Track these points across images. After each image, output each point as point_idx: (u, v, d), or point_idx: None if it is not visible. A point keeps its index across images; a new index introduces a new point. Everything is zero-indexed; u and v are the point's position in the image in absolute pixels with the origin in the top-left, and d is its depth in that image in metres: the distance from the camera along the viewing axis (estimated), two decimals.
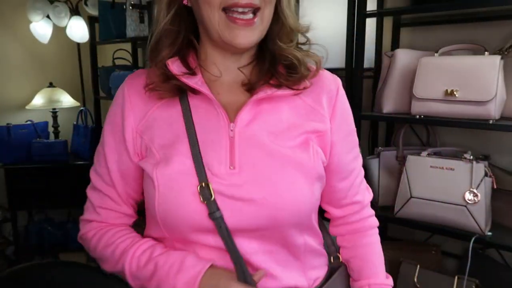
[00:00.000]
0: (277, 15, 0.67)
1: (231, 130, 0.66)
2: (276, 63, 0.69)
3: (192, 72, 0.67)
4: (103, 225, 0.76)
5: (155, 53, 0.68)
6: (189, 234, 0.66)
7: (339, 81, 0.77)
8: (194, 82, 0.66)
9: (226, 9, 0.61)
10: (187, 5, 0.67)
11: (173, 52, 0.68)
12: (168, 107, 0.69)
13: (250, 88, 0.69)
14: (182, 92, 0.68)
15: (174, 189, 0.65)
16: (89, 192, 0.79)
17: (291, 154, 0.66)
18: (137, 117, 0.69)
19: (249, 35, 0.63)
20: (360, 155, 0.79)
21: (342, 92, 0.76)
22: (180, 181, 0.64)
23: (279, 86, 0.68)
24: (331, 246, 0.81)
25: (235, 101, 0.69)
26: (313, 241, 0.75)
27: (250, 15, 0.62)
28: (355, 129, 0.78)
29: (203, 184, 0.63)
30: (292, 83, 0.68)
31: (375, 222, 0.81)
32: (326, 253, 0.81)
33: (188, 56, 0.69)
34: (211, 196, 0.63)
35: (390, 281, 0.78)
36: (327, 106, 0.72)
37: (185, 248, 0.68)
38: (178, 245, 0.69)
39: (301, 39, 0.73)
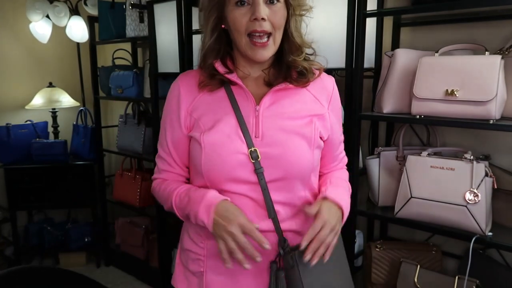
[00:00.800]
0: (288, 35, 0.93)
1: (257, 111, 0.94)
2: (290, 69, 0.96)
3: (230, 71, 0.95)
4: (163, 180, 1.03)
5: (205, 61, 0.96)
6: (226, 184, 0.92)
7: (333, 80, 1.04)
8: (233, 77, 0.95)
9: (249, 34, 0.90)
10: (224, 28, 0.94)
11: (217, 59, 0.95)
12: (213, 94, 0.96)
13: (270, 84, 0.97)
14: (224, 83, 0.96)
15: (222, 146, 0.91)
16: (156, 158, 1.06)
17: (298, 129, 0.93)
18: (188, 101, 0.97)
19: (264, 53, 0.91)
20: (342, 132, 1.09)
21: (335, 88, 1.03)
22: (228, 142, 0.91)
23: (291, 83, 0.96)
24: None
25: (260, 91, 0.96)
26: (312, 198, 0.99)
27: (265, 39, 0.90)
28: (342, 113, 1.09)
29: (253, 149, 0.90)
30: (301, 84, 0.97)
31: (344, 166, 1.13)
32: None
33: (226, 61, 0.97)
34: (258, 157, 0.90)
35: (345, 210, 0.96)
36: (326, 98, 1.00)
37: (221, 193, 0.92)
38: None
39: (309, 50, 1.00)
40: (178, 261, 1.07)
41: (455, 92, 1.30)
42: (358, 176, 1.63)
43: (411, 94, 1.40)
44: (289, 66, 0.95)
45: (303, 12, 0.94)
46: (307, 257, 0.86)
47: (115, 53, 2.68)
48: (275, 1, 0.88)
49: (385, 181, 1.59)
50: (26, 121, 2.77)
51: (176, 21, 2.03)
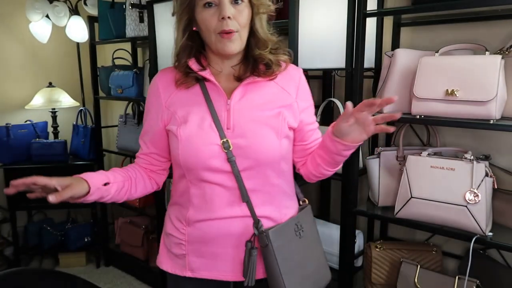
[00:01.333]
0: (253, 32, 1.02)
1: (228, 104, 1.02)
2: (257, 63, 1.04)
3: (203, 68, 1.04)
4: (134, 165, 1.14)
5: (179, 60, 1.05)
6: (203, 173, 1.00)
7: (300, 70, 1.12)
8: (206, 74, 1.03)
9: (219, 33, 0.98)
10: (195, 30, 1.03)
11: (190, 57, 1.04)
12: (188, 90, 1.05)
13: (239, 78, 1.04)
14: (198, 80, 1.04)
15: (197, 138, 0.99)
16: (139, 139, 1.14)
17: (267, 120, 1.01)
18: (166, 97, 1.06)
19: (232, 46, 0.98)
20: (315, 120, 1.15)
21: (302, 78, 1.10)
22: (202, 134, 0.99)
23: (258, 76, 1.04)
24: (299, 194, 1.17)
25: (231, 86, 1.04)
26: (286, 186, 1.09)
27: (230, 32, 0.98)
28: (313, 103, 1.13)
29: (225, 139, 0.99)
30: (268, 76, 1.05)
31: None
32: (297, 200, 1.15)
33: (200, 58, 1.05)
34: (230, 146, 0.99)
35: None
36: (293, 88, 1.08)
37: (198, 183, 1.02)
38: (194, 181, 1.03)
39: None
40: (162, 244, 1.17)
41: (455, 92, 1.30)
42: (358, 176, 1.63)
43: (411, 94, 1.40)
44: (256, 60, 1.03)
45: (266, 10, 1.02)
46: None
47: (115, 53, 2.68)
48: (240, 1, 0.97)
49: (385, 181, 1.59)
50: (25, 121, 2.77)
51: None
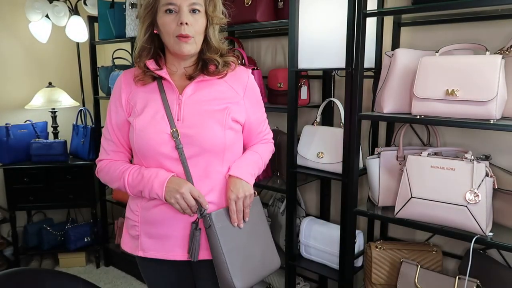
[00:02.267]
0: (207, 39, 1.17)
1: (179, 99, 1.15)
2: (208, 64, 1.18)
3: (160, 68, 1.18)
4: (111, 160, 1.22)
5: (139, 59, 1.19)
6: (154, 160, 1.13)
7: (249, 72, 1.25)
8: (162, 73, 1.17)
9: (177, 36, 1.12)
10: (156, 33, 1.17)
11: (149, 58, 1.18)
12: (146, 86, 1.19)
13: (191, 77, 1.18)
14: (156, 79, 1.18)
15: (149, 126, 1.12)
16: (102, 141, 1.25)
17: (213, 113, 1.14)
18: (127, 92, 1.20)
19: (188, 47, 1.12)
20: (265, 114, 1.31)
21: (250, 78, 1.24)
22: (154, 123, 1.13)
23: (208, 75, 1.18)
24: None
25: (183, 84, 1.18)
26: (227, 173, 1.18)
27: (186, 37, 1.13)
28: (261, 99, 1.28)
29: (174, 129, 1.12)
30: (217, 75, 1.18)
31: (269, 141, 1.34)
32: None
33: (158, 59, 1.20)
34: (178, 135, 1.12)
35: (245, 177, 1.17)
36: (241, 88, 1.21)
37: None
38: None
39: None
40: (124, 227, 1.28)
41: (456, 92, 1.30)
42: (358, 176, 1.63)
43: (411, 94, 1.39)
44: (206, 61, 1.18)
45: (219, 22, 1.17)
46: (234, 224, 1.14)
47: (114, 53, 2.68)
48: (197, 11, 1.11)
49: (385, 181, 1.59)
50: (25, 121, 2.76)
51: None
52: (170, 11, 1.10)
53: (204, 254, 1.16)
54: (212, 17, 1.15)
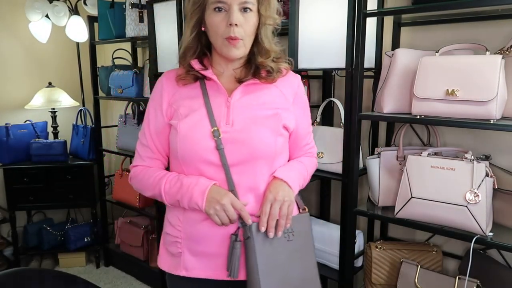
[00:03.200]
0: (258, 41, 1.07)
1: (228, 101, 1.07)
2: (259, 69, 1.10)
3: (205, 68, 1.10)
4: (146, 167, 1.15)
5: (183, 58, 1.11)
6: (196, 165, 1.04)
7: (299, 78, 1.18)
8: (208, 73, 1.09)
9: (225, 38, 1.03)
10: (203, 31, 1.08)
11: (194, 57, 1.10)
12: (190, 89, 1.10)
13: (240, 80, 1.10)
14: (199, 79, 1.10)
15: (194, 131, 1.04)
16: (138, 146, 1.18)
17: (264, 118, 1.07)
18: (170, 94, 1.12)
19: (236, 51, 1.04)
20: (311, 125, 1.24)
21: (300, 85, 1.18)
22: (198, 127, 1.04)
23: (259, 80, 1.10)
24: (299, 201, 1.17)
25: (231, 86, 1.10)
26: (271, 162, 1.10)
27: (236, 40, 1.03)
28: (308, 108, 1.21)
29: (215, 128, 1.04)
30: (268, 81, 1.11)
31: (313, 156, 1.26)
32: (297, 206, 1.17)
33: (204, 59, 1.12)
34: (219, 135, 1.03)
35: (290, 181, 1.08)
36: (291, 94, 1.14)
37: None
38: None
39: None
40: (162, 244, 1.19)
41: (456, 92, 1.30)
42: (358, 176, 1.63)
43: (412, 94, 1.39)
44: (258, 66, 1.09)
45: (272, 23, 1.08)
46: (262, 228, 1.01)
47: (114, 53, 2.68)
48: (248, 10, 1.02)
49: (385, 181, 1.59)
50: (25, 121, 2.76)
51: (176, 21, 2.02)
52: (219, 9, 1.01)
53: (244, 274, 1.03)
54: (265, 16, 1.05)
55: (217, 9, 1.01)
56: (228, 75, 1.11)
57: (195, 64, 1.08)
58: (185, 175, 1.07)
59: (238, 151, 1.03)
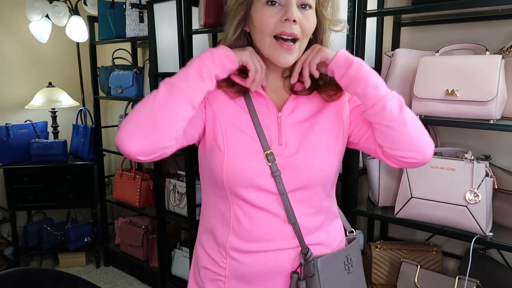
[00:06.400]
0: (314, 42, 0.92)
1: (279, 118, 0.91)
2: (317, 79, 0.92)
3: (247, 76, 0.89)
4: None
5: None
6: (246, 192, 0.87)
7: None
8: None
9: (276, 36, 0.86)
10: (246, 31, 0.91)
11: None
12: (233, 102, 0.92)
13: (291, 89, 0.94)
14: (244, 92, 0.92)
15: (244, 154, 0.87)
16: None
17: (320, 136, 0.91)
18: (211, 95, 0.92)
19: (288, 58, 0.87)
20: None
21: None
22: (249, 149, 0.88)
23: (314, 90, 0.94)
24: (346, 223, 1.06)
25: (281, 98, 0.94)
26: (333, 207, 1.00)
27: (291, 43, 0.86)
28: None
29: (269, 151, 0.87)
30: (326, 98, 0.94)
31: None
32: (341, 221, 1.05)
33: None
34: (275, 160, 0.87)
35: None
36: (345, 96, 0.96)
37: (240, 204, 0.89)
38: (236, 202, 0.89)
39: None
40: (192, 280, 1.00)
41: (456, 92, 1.30)
42: (358, 176, 1.63)
43: (411, 94, 1.39)
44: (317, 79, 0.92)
45: (335, 28, 0.92)
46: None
47: (114, 53, 2.68)
48: (307, 7, 0.86)
49: (385, 181, 1.59)
50: (25, 121, 2.76)
51: (176, 21, 2.03)
52: (272, 2, 0.84)
53: None
54: (331, 20, 0.90)
55: (269, 3, 0.84)
56: (276, 83, 0.94)
57: (236, 78, 0.90)
58: (223, 205, 0.90)
59: (294, 177, 0.87)
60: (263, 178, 0.86)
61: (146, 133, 0.78)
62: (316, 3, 0.88)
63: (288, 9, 0.83)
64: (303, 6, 0.85)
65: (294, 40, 0.85)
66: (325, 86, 0.93)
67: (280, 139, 0.89)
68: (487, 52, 1.31)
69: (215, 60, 0.83)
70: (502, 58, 1.26)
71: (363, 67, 0.85)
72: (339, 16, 0.92)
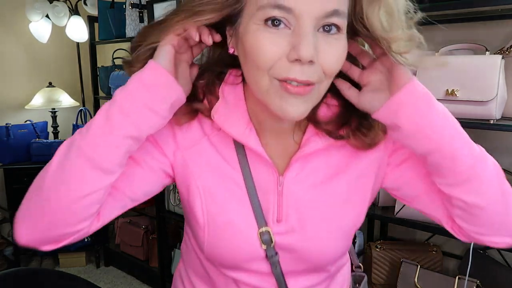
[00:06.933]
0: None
1: (280, 184, 0.64)
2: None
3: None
4: None
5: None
6: (233, 272, 0.68)
7: None
8: (243, 136, 0.61)
9: (280, 80, 0.53)
10: (233, 53, 0.59)
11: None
12: (218, 154, 0.65)
13: (303, 142, 0.64)
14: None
15: (229, 232, 0.64)
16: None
17: (335, 206, 0.66)
18: (182, 138, 0.66)
19: (300, 107, 0.54)
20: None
21: None
22: (237, 225, 0.64)
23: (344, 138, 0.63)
24: (353, 255, 0.87)
25: (284, 149, 0.65)
26: (340, 259, 0.76)
27: (304, 85, 0.53)
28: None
29: (264, 229, 0.64)
30: (360, 144, 0.62)
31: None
32: (349, 261, 0.85)
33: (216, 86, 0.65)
34: (272, 241, 0.64)
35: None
36: (386, 144, 0.66)
37: (226, 281, 0.70)
38: (221, 279, 0.70)
39: None
40: None
41: (456, 92, 1.30)
42: None
43: None
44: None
45: (401, 49, 0.58)
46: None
47: (115, 53, 2.68)
48: (334, 29, 0.52)
49: None
50: (25, 121, 2.76)
51: None
52: (276, 22, 0.51)
53: None
54: (386, 38, 0.54)
55: (271, 21, 0.51)
56: (277, 132, 0.65)
57: (220, 119, 0.61)
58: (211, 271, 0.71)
59: (296, 261, 0.67)
60: (255, 262, 0.66)
61: (35, 218, 0.55)
62: (350, 14, 0.54)
63: (300, 39, 0.50)
64: (327, 29, 0.52)
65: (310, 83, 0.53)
66: (364, 127, 0.62)
67: (280, 213, 0.65)
68: (487, 52, 1.31)
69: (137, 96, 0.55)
70: (502, 58, 1.26)
71: (444, 110, 0.59)
72: (402, 27, 0.57)
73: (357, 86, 0.62)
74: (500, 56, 1.26)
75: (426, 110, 0.58)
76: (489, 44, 1.37)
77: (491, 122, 1.26)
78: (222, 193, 0.65)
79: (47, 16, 2.68)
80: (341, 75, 0.60)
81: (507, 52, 1.36)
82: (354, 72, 0.61)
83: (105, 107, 0.56)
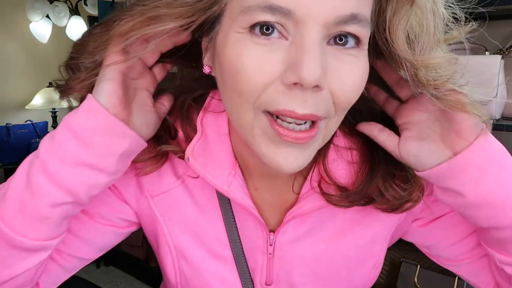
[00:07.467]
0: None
1: (270, 245, 0.51)
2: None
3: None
4: None
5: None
6: None
7: None
8: (224, 180, 0.47)
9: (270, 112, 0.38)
10: (210, 73, 0.44)
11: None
12: (195, 205, 0.52)
13: (301, 194, 0.50)
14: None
15: None
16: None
17: (338, 277, 0.54)
18: (150, 185, 0.53)
19: (299, 158, 0.39)
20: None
21: None
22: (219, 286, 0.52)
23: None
24: None
25: (279, 195, 0.51)
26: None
27: (307, 126, 0.39)
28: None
29: None
30: (384, 207, 0.47)
31: None
32: None
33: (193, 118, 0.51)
34: None
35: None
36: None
37: None
38: None
39: None
40: None
41: None
42: None
43: None
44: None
45: (436, 83, 0.43)
46: None
47: None
48: (351, 42, 0.38)
49: None
50: (26, 121, 2.77)
51: None
52: (266, 28, 0.36)
53: None
54: (421, 63, 0.41)
55: (259, 29, 0.37)
56: (271, 174, 0.51)
57: (199, 164, 0.47)
58: None
59: None
60: None
61: None
62: (374, 21, 0.39)
63: (302, 54, 0.35)
64: (341, 40, 0.37)
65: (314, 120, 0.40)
66: (397, 182, 0.47)
67: (270, 276, 0.53)
68: (486, 52, 1.31)
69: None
70: (502, 58, 1.26)
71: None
72: (437, 48, 0.41)
73: (387, 122, 0.45)
74: (499, 56, 1.26)
75: (506, 177, 0.40)
76: (489, 44, 1.37)
77: (491, 122, 1.26)
78: (198, 254, 0.52)
79: (47, 16, 2.69)
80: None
81: (506, 52, 1.36)
82: (390, 106, 0.44)
83: (28, 160, 0.43)
